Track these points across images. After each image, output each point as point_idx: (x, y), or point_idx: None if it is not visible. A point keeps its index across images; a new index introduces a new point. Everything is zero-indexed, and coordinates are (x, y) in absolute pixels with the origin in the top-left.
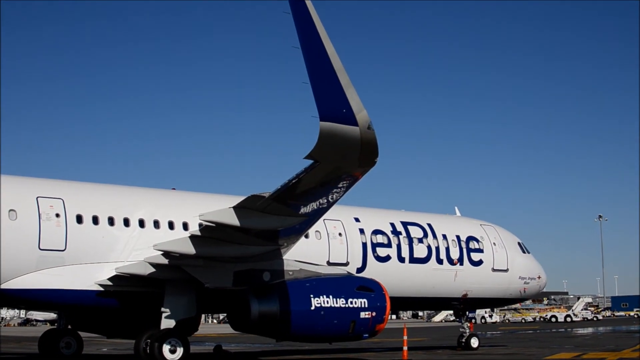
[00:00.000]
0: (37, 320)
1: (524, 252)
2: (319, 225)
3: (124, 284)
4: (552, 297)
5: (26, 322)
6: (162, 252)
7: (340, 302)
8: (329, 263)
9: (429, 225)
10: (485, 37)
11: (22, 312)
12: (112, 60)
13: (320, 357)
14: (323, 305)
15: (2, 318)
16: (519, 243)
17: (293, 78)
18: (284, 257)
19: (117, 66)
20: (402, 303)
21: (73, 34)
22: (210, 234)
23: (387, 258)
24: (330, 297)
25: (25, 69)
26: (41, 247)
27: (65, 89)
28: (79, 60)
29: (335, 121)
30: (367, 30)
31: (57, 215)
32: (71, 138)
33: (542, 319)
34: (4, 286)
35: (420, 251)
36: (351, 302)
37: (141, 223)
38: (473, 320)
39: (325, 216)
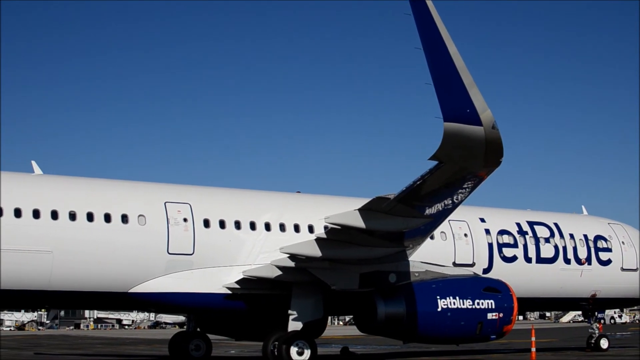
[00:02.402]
0: (166, 323)
1: None
2: (444, 226)
3: (251, 287)
4: None
5: (156, 324)
6: (288, 255)
7: (467, 303)
8: (454, 264)
9: (556, 224)
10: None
11: (152, 315)
12: (230, 57)
13: (447, 358)
14: (450, 306)
15: (133, 321)
16: None
17: (416, 79)
18: (410, 259)
19: (236, 64)
20: (529, 304)
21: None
22: (336, 237)
23: (513, 258)
24: (457, 298)
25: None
26: (170, 252)
27: (183, 87)
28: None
29: (459, 121)
30: (489, 29)
31: (185, 219)
32: (207, 144)
33: None
34: (134, 290)
35: (547, 251)
36: (478, 303)
37: (267, 226)
38: (602, 321)
39: (450, 217)
